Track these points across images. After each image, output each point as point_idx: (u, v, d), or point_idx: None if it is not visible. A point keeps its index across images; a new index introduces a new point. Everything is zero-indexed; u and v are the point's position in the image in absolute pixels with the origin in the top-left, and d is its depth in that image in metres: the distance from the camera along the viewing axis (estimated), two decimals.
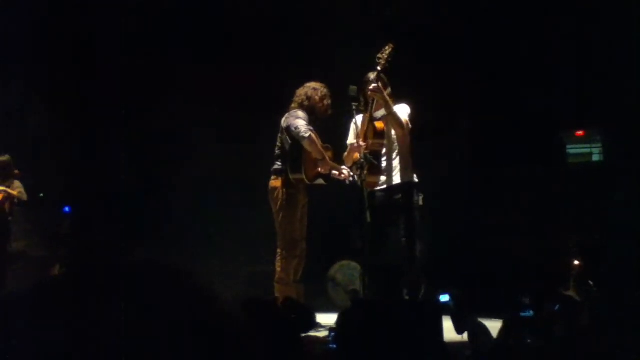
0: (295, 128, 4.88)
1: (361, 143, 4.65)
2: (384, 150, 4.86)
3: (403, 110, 4.86)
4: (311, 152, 4.92)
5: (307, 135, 4.83)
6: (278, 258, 5.03)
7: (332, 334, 3.39)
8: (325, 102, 5.09)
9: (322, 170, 5.03)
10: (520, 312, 4.12)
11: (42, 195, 7.27)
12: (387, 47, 4.75)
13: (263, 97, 6.72)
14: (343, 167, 5.03)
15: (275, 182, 5.01)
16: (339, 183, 5.13)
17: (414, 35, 6.57)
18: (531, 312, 3.98)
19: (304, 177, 4.94)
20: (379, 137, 4.79)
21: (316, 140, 4.91)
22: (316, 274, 6.34)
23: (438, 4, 6.87)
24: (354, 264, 6.38)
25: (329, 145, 5.13)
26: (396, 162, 4.84)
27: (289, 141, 4.95)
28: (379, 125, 4.81)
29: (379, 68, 4.72)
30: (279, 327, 2.69)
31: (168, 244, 6.87)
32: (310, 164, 5.00)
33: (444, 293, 4.05)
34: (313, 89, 5.08)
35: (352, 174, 4.90)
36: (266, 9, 7.16)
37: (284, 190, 4.97)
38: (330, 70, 5.82)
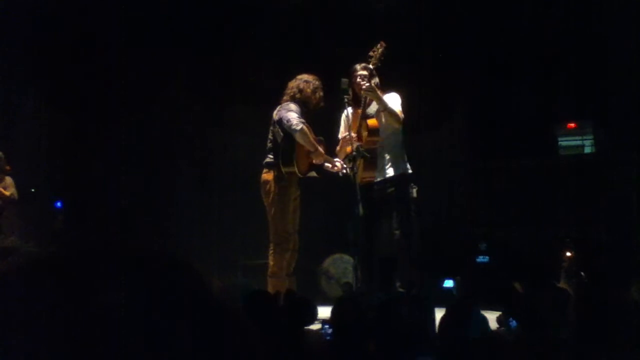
0: (287, 121, 4.85)
1: (352, 135, 4.64)
2: (378, 145, 4.85)
3: (395, 100, 4.84)
4: (303, 145, 4.89)
5: (299, 127, 4.80)
6: (270, 252, 5.00)
7: (326, 326, 3.39)
8: (317, 94, 5.05)
9: (316, 162, 4.99)
10: (476, 259, 4.12)
11: (33, 190, 7.23)
12: (378, 45, 4.72)
13: (257, 90, 6.70)
14: (336, 159, 5.01)
15: (267, 176, 4.98)
16: (332, 176, 5.12)
17: (408, 29, 6.57)
18: (487, 258, 3.98)
19: (296, 170, 4.90)
20: (373, 134, 4.78)
21: (308, 133, 4.88)
22: (309, 267, 6.34)
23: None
24: (346, 257, 6.39)
25: (321, 138, 5.10)
26: (389, 155, 4.83)
27: (281, 134, 4.92)
28: (372, 122, 4.79)
29: (370, 66, 4.70)
30: (281, 320, 2.68)
31: (164, 237, 6.86)
32: (303, 156, 4.97)
33: (447, 278, 4.05)
34: (305, 81, 5.04)
35: (344, 166, 4.88)
36: (262, 1, 7.15)
37: (276, 183, 4.93)
38: (322, 62, 5.81)
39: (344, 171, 4.89)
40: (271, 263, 4.98)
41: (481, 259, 5.51)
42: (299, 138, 4.83)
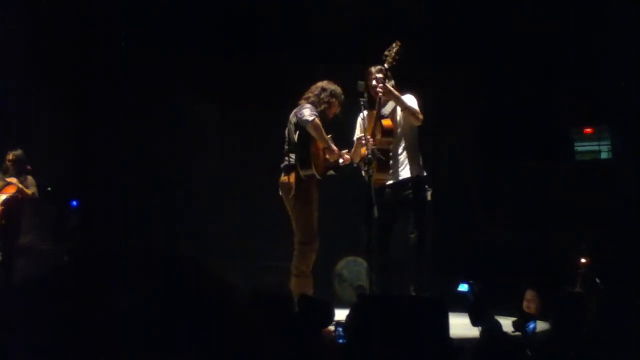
0: (301, 114, 4.81)
1: (368, 137, 4.63)
2: (391, 146, 4.83)
3: (412, 101, 4.82)
4: (317, 141, 4.82)
5: (311, 118, 4.75)
6: (296, 252, 4.91)
7: (339, 328, 3.39)
8: (340, 109, 5.03)
9: (329, 158, 4.94)
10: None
11: (49, 189, 7.29)
12: (394, 45, 4.71)
13: (271, 93, 6.70)
14: (344, 150, 4.97)
15: (286, 178, 4.92)
16: (349, 174, 5.08)
17: (422, 32, 6.56)
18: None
19: (314, 172, 4.86)
20: (387, 135, 4.76)
21: (321, 126, 4.82)
22: (322, 270, 6.33)
23: (447, 1, 6.87)
24: (360, 260, 6.37)
25: (330, 136, 5.05)
26: (403, 157, 4.81)
27: (298, 136, 4.87)
28: (387, 123, 4.77)
29: (386, 65, 4.69)
30: (297, 323, 2.67)
31: (181, 238, 6.88)
32: (319, 157, 4.92)
33: (463, 282, 4.01)
34: (331, 94, 4.98)
35: (351, 158, 4.86)
36: (276, 3, 7.16)
37: (297, 185, 4.87)
38: (338, 65, 5.80)
39: (349, 160, 4.85)
40: (297, 264, 4.90)
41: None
42: (310, 129, 4.77)
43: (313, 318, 2.79)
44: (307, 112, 4.79)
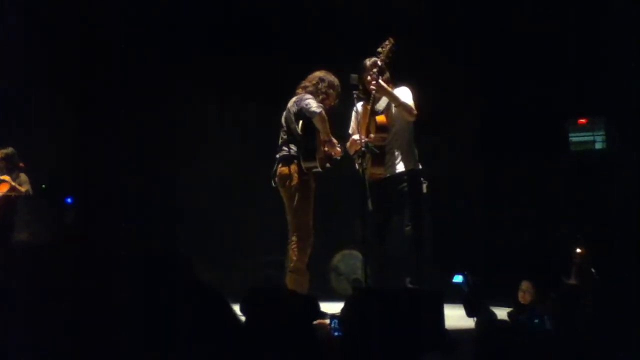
0: (307, 105, 4.69)
1: (362, 137, 4.61)
2: (386, 141, 4.81)
3: (406, 95, 4.79)
4: (321, 132, 4.74)
5: (318, 111, 4.66)
6: (293, 247, 4.76)
7: (335, 321, 3.40)
8: (337, 101, 4.96)
9: (330, 151, 4.85)
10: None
11: (44, 186, 7.28)
12: (387, 42, 4.69)
13: (271, 90, 6.69)
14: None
15: (287, 169, 4.77)
16: (341, 172, 5.08)
17: (417, 26, 6.55)
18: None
19: (317, 164, 4.76)
20: (381, 131, 4.73)
21: (326, 119, 4.74)
22: (318, 263, 6.33)
23: (447, 1, 6.87)
24: (356, 253, 6.40)
25: None
26: (398, 151, 4.79)
27: (302, 128, 4.75)
28: (381, 119, 4.75)
29: (379, 62, 4.68)
30: (285, 317, 2.67)
31: (181, 234, 6.88)
32: (321, 150, 4.83)
33: (457, 273, 4.02)
34: (330, 85, 4.90)
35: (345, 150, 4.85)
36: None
37: (299, 176, 4.75)
38: (332, 58, 5.79)
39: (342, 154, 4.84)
40: (294, 259, 4.75)
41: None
42: (317, 121, 4.69)
43: (298, 313, 2.79)
44: (314, 104, 4.70)
